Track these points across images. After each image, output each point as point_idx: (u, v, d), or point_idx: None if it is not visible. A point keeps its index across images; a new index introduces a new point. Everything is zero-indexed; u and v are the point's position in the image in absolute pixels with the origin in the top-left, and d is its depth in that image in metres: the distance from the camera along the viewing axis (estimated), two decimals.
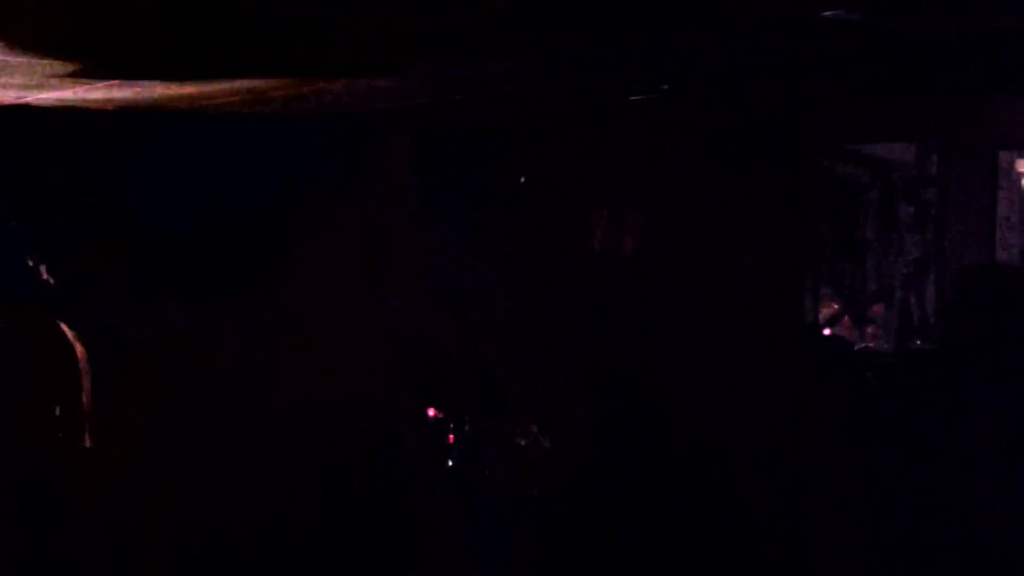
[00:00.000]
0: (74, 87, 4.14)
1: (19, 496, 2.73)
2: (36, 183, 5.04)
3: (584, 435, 3.80)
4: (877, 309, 5.52)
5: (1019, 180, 5.02)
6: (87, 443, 2.98)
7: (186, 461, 2.89)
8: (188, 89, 4.26)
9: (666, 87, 4.57)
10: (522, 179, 5.90)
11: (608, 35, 3.24)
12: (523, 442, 4.38)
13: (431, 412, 4.33)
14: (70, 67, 3.59)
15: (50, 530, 2.71)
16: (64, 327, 3.17)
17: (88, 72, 3.72)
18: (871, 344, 5.49)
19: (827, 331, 5.69)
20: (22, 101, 4.59)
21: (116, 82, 3.99)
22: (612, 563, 2.25)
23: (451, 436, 4.30)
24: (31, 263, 5.08)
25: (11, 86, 4.09)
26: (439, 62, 3.76)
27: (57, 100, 4.55)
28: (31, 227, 5.34)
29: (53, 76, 3.84)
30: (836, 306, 5.69)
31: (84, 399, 3.01)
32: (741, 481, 2.77)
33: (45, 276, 5.04)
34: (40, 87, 4.14)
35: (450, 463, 4.26)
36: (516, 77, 4.20)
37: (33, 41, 3.09)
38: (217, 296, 6.02)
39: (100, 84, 4.05)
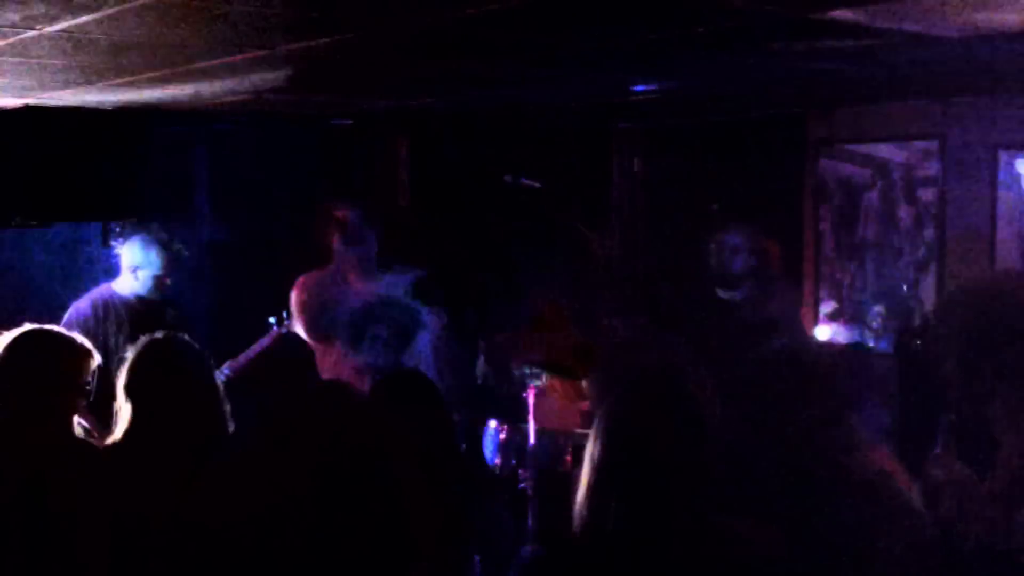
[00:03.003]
0: (74, 87, 4.14)
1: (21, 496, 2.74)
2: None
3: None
4: (877, 309, 5.52)
5: (1019, 180, 5.02)
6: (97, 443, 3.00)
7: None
8: (188, 89, 4.26)
9: (666, 87, 4.57)
10: (522, 179, 5.91)
11: (610, 36, 3.25)
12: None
13: None
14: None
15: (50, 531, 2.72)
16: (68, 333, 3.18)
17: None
18: (871, 344, 5.49)
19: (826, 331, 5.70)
20: (23, 101, 4.59)
21: (116, 82, 3.99)
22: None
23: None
24: None
25: (13, 87, 4.10)
26: (440, 61, 3.76)
27: (57, 100, 4.55)
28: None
29: (55, 77, 3.84)
30: (836, 306, 5.69)
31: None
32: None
33: None
34: (40, 88, 4.15)
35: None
36: (518, 77, 4.21)
37: None
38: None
39: (100, 84, 4.05)
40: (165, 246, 4.88)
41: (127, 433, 2.85)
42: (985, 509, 2.47)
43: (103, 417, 4.38)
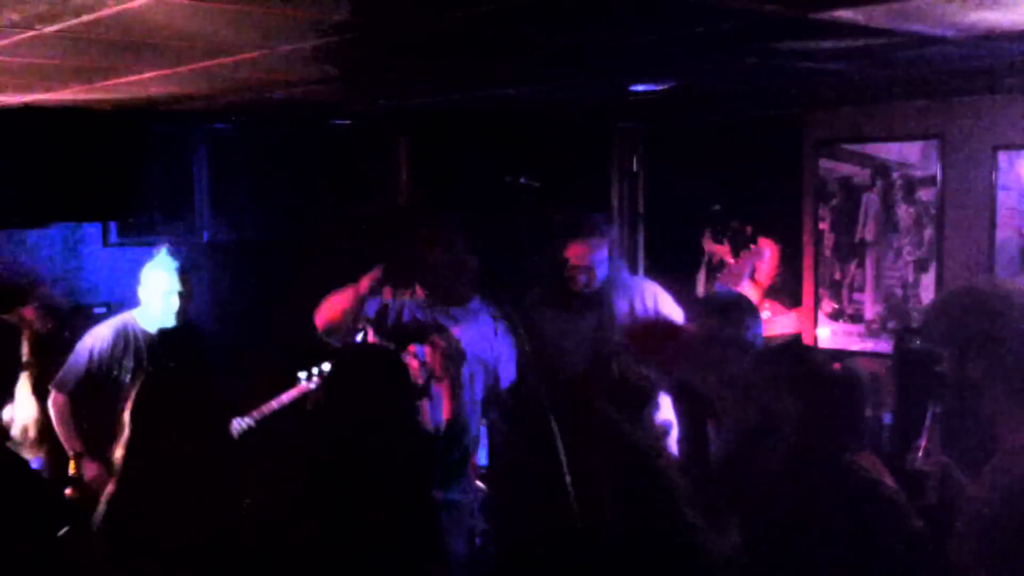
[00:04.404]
0: (74, 87, 4.14)
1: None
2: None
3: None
4: (876, 309, 5.52)
5: (1019, 180, 5.02)
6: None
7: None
8: (187, 89, 4.26)
9: (666, 87, 4.57)
10: (522, 179, 5.91)
11: (610, 36, 3.25)
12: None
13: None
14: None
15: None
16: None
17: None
18: (870, 344, 5.50)
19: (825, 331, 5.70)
20: (21, 101, 4.59)
21: (115, 82, 3.99)
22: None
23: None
24: None
25: (13, 87, 4.10)
26: (439, 61, 3.76)
27: (57, 100, 4.55)
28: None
29: (55, 77, 3.84)
30: (835, 306, 5.70)
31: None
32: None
33: None
34: (40, 88, 4.15)
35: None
36: (518, 77, 4.21)
37: None
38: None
39: (100, 84, 4.05)
40: (183, 269, 4.61)
41: (124, 456, 2.84)
42: (971, 502, 2.49)
43: (103, 449, 4.37)
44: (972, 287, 2.71)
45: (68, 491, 3.92)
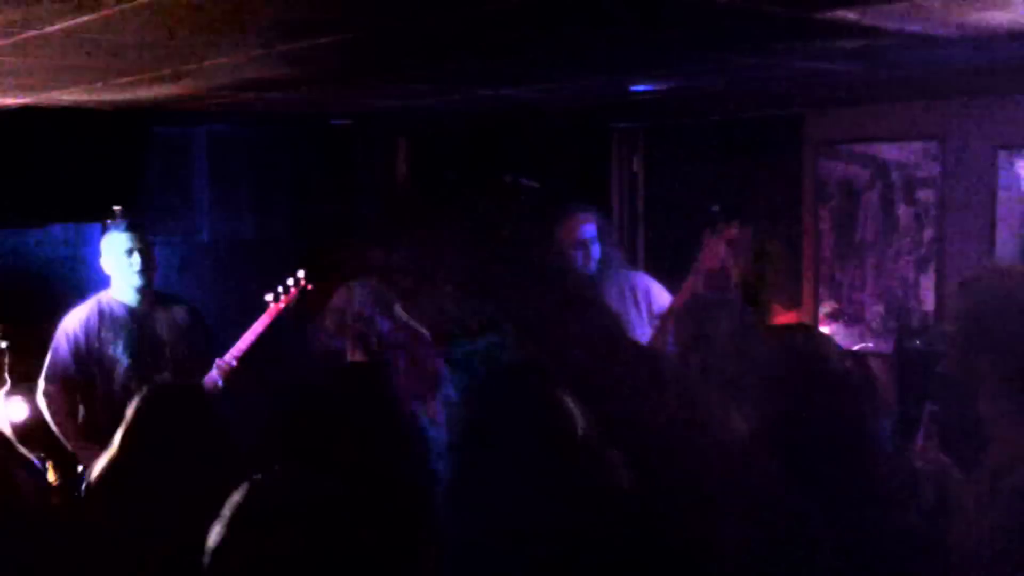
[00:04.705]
0: (74, 87, 4.14)
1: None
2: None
3: None
4: (876, 309, 5.52)
5: (1019, 180, 5.02)
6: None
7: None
8: (187, 89, 4.26)
9: (666, 87, 4.57)
10: (521, 179, 5.90)
11: (610, 36, 3.25)
12: None
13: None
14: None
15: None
16: None
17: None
18: (870, 344, 5.50)
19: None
20: (21, 101, 4.59)
21: (116, 82, 3.99)
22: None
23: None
24: None
25: (14, 87, 4.10)
26: (439, 61, 3.76)
27: (57, 100, 4.55)
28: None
29: (55, 77, 3.84)
30: (835, 306, 5.70)
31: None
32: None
33: None
34: (41, 88, 4.15)
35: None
36: (518, 77, 4.21)
37: None
38: None
39: (100, 84, 4.05)
40: (135, 224, 4.53)
41: (106, 470, 2.76)
42: (966, 501, 2.49)
43: (98, 433, 4.36)
44: (998, 272, 2.65)
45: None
